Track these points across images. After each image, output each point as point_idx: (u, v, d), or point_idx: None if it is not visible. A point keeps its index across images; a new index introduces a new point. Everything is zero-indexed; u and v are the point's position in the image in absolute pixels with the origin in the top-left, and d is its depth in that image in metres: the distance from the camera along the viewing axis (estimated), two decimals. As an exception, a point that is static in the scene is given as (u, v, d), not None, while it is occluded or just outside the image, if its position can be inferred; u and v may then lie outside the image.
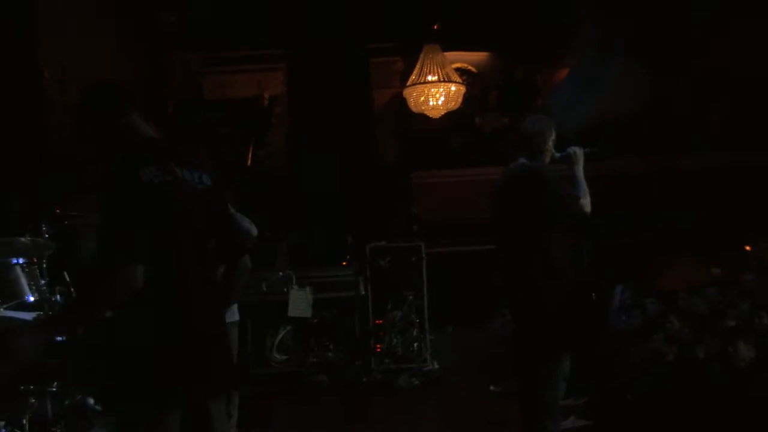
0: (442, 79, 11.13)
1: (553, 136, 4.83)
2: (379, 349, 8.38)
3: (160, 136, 3.16)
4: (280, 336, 8.38)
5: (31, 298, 5.02)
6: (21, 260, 5.13)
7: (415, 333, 8.42)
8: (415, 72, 11.30)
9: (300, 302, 8.30)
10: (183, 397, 2.92)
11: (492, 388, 7.50)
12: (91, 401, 5.28)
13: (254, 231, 5.24)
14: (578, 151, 4.82)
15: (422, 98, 11.17)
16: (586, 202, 4.63)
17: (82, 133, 3.13)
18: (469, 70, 13.20)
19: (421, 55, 11.27)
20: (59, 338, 4.37)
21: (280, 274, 8.36)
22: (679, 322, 7.72)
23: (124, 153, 2.99)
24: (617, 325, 8.93)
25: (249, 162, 11.34)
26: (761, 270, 10.75)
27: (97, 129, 3.09)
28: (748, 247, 12.28)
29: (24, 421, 4.74)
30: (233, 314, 5.58)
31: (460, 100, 11.32)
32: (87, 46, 8.96)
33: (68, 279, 5.34)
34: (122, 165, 2.94)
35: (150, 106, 10.21)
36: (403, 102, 11.54)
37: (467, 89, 11.79)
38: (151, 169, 2.92)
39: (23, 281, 5.09)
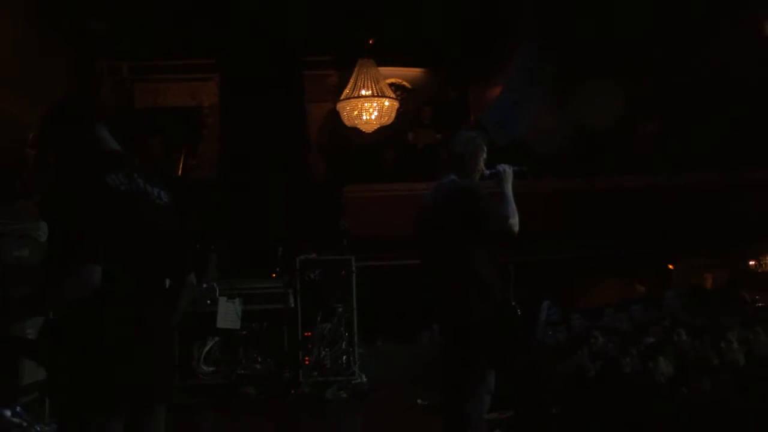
0: (375, 94, 11.21)
1: (484, 155, 4.90)
2: (307, 362, 8.37)
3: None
4: (207, 347, 8.32)
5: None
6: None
7: (343, 346, 8.44)
8: (349, 86, 11.36)
9: (229, 314, 8.25)
10: (131, 401, 2.99)
11: (419, 401, 7.56)
12: (9, 413, 5.17)
13: None
14: (508, 170, 4.90)
15: (356, 112, 11.23)
16: (515, 222, 4.70)
17: (51, 142, 3.21)
18: (403, 85, 13.32)
19: (356, 69, 11.34)
20: None
21: (204, 285, 8.31)
22: (604, 337, 7.89)
23: (92, 160, 3.09)
24: (543, 340, 9.08)
25: (180, 172, 11.26)
26: (682, 287, 11.05)
27: (66, 138, 3.17)
28: (671, 266, 12.59)
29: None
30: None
31: (393, 115, 11.41)
32: (13, 51, 8.81)
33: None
34: (89, 169, 3.04)
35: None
36: (336, 116, 11.58)
37: (401, 105, 11.88)
38: (119, 176, 3.04)
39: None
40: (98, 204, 2.93)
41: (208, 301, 8.25)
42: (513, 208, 4.75)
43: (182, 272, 3.35)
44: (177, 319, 3.35)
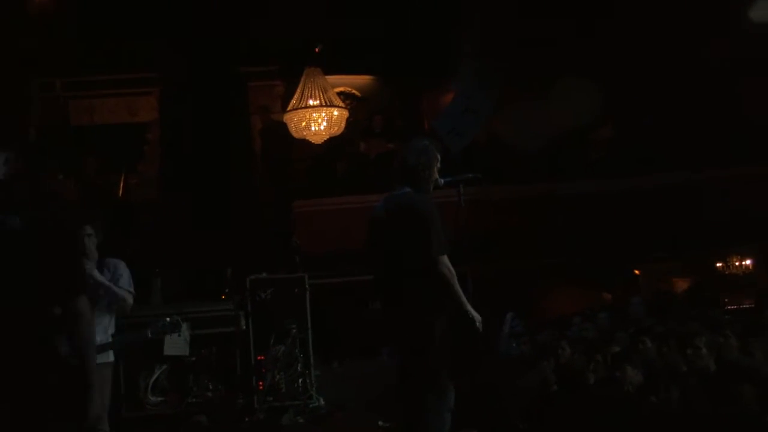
0: (323, 104, 11.15)
1: (438, 164, 4.92)
2: (261, 387, 8.29)
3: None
4: (155, 376, 8.19)
5: None
6: None
7: (299, 368, 8.36)
8: (296, 96, 11.30)
9: (176, 340, 8.13)
10: None
11: (380, 423, 7.52)
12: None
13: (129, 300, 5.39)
14: None
15: (303, 123, 11.17)
16: (445, 262, 4.63)
17: None
18: (353, 94, 13.32)
19: (302, 79, 11.28)
20: None
21: (167, 319, 8.10)
22: (570, 348, 7.92)
23: None
24: (508, 352, 9.10)
25: (120, 192, 11.13)
26: (648, 293, 11.13)
27: None
28: (637, 271, 12.69)
29: None
30: (107, 355, 5.55)
31: (342, 125, 11.37)
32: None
33: None
34: None
35: (9, 133, 9.94)
36: (283, 127, 11.53)
37: (351, 114, 11.86)
38: None
39: None
40: None
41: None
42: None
43: (62, 298, 3.29)
44: (82, 346, 3.26)
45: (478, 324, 4.69)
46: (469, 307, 4.69)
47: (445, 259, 4.61)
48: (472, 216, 4.93)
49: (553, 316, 10.92)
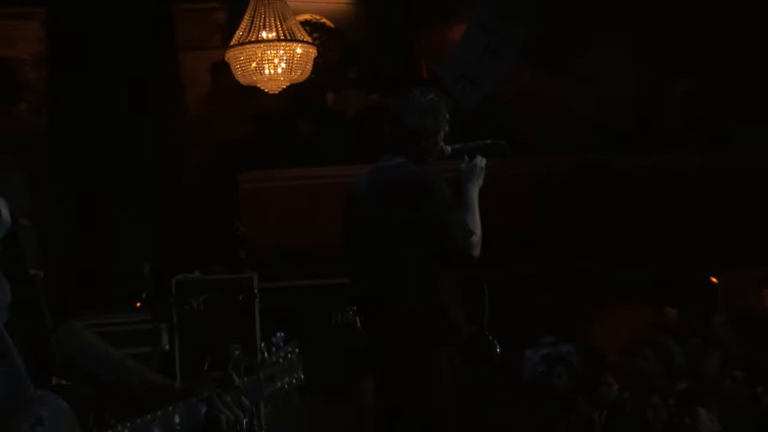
0: (282, 37, 11.08)
1: (446, 128, 4.91)
2: (190, 428, 8.28)
3: None
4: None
5: None
6: None
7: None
8: (242, 26, 11.22)
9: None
10: None
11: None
12: None
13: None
14: (480, 163, 4.89)
15: (254, 64, 11.08)
16: (478, 240, 4.68)
17: None
18: (323, 24, 13.27)
19: (252, 2, 11.21)
20: None
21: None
22: (619, 383, 7.96)
23: None
24: (538, 387, 9.14)
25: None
26: (733, 310, 11.11)
27: None
28: (714, 279, 12.68)
29: None
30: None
31: (308, 67, 11.29)
32: None
33: None
34: None
35: None
36: (226, 69, 11.46)
37: (320, 53, 11.78)
38: None
39: None
40: None
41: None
42: (477, 219, 4.74)
43: None
44: None
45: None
46: None
47: (476, 239, 4.62)
48: (489, 200, 4.89)
49: (595, 341, 10.95)
